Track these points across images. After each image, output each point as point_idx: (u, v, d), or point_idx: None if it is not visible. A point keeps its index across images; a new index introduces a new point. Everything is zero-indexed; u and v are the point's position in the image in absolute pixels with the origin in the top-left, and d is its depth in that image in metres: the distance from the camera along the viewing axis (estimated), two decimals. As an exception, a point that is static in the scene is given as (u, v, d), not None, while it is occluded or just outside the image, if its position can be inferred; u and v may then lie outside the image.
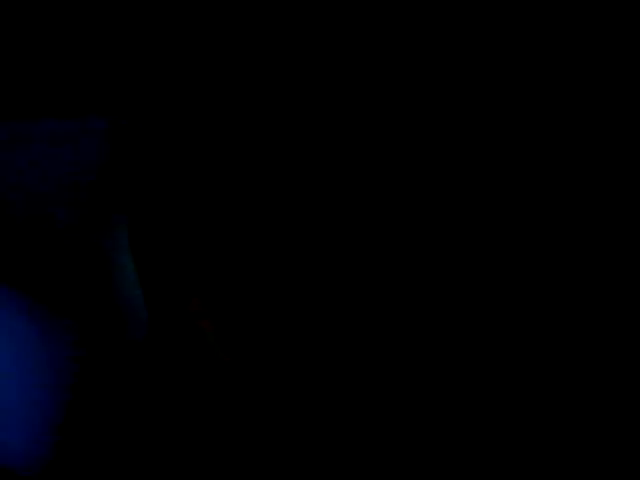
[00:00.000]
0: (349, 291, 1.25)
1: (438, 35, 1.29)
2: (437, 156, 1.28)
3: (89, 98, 1.29)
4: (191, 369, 1.25)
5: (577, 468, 1.23)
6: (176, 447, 1.23)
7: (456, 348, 1.25)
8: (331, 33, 1.29)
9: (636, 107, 1.28)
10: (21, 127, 1.28)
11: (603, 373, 1.24)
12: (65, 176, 1.26)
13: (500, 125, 1.28)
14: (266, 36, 1.29)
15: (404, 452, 1.23)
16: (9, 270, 1.24)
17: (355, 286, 1.25)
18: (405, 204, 1.27)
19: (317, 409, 1.24)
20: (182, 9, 1.29)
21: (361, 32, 1.29)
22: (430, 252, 1.26)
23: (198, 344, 1.25)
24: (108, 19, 1.30)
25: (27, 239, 1.25)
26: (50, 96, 1.29)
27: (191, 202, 1.27)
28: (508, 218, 1.27)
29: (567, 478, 1.23)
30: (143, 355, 1.25)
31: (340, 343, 1.24)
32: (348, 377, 1.24)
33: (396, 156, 1.28)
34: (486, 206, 1.27)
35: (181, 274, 1.26)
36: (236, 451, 1.23)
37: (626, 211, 1.27)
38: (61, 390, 1.23)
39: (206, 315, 1.25)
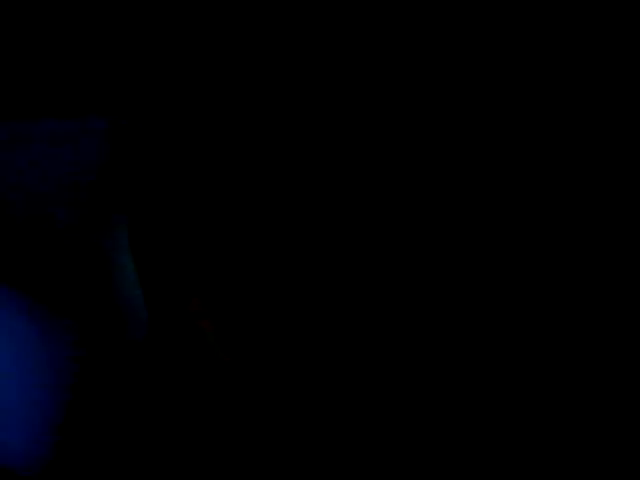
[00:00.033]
0: (349, 291, 1.25)
1: (438, 35, 1.29)
2: (437, 156, 1.28)
3: (89, 98, 1.29)
4: (191, 369, 1.25)
5: (577, 468, 1.23)
6: (176, 447, 1.23)
7: (456, 348, 1.25)
8: (331, 33, 1.29)
9: (636, 107, 1.28)
10: (21, 127, 1.28)
11: (603, 373, 1.24)
12: (65, 176, 1.26)
13: (500, 125, 1.28)
14: (266, 36, 1.29)
15: (404, 452, 1.23)
16: (9, 270, 1.24)
17: (355, 286, 1.25)
18: (405, 204, 1.27)
19: (317, 409, 1.24)
20: (182, 9, 1.29)
21: (361, 32, 1.29)
22: (430, 252, 1.26)
23: (198, 344, 1.25)
24: (108, 19, 1.30)
25: (27, 239, 1.25)
26: (50, 96, 1.29)
27: (191, 202, 1.27)
28: (508, 218, 1.27)
29: (567, 478, 1.23)
30: (143, 355, 1.25)
31: (340, 343, 1.24)
32: (348, 377, 1.24)
33: (396, 156, 1.28)
34: (486, 206, 1.27)
35: (181, 274, 1.26)
36: (236, 451, 1.23)
37: (626, 211, 1.27)
38: (61, 390, 1.23)
39: (206, 315, 1.25)
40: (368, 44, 1.29)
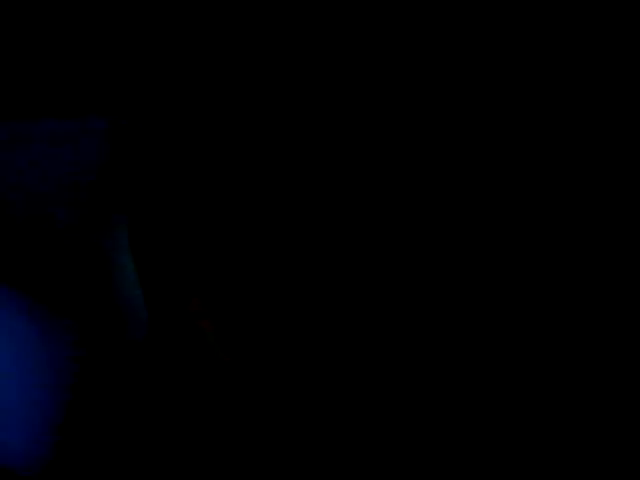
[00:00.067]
0: (349, 291, 1.25)
1: (438, 35, 1.29)
2: (437, 156, 1.28)
3: (89, 98, 1.29)
4: (191, 369, 1.25)
5: (577, 468, 1.23)
6: (176, 447, 1.23)
7: (456, 348, 1.25)
8: (331, 33, 1.29)
9: (636, 107, 1.28)
10: (21, 127, 1.28)
11: (603, 373, 1.24)
12: (65, 176, 1.26)
13: (500, 125, 1.28)
14: (266, 36, 1.29)
15: (404, 452, 1.23)
16: (9, 270, 1.24)
17: (355, 286, 1.25)
18: (405, 204, 1.27)
19: (317, 409, 1.24)
20: (182, 9, 1.29)
21: (361, 32, 1.29)
22: (430, 252, 1.26)
23: (198, 344, 1.25)
24: (108, 19, 1.30)
25: (27, 239, 1.25)
26: (50, 96, 1.29)
27: (191, 202, 1.27)
28: (508, 218, 1.27)
29: (567, 478, 1.23)
30: (143, 355, 1.25)
31: (340, 343, 1.24)
32: (348, 377, 1.24)
33: (396, 156, 1.28)
34: (486, 206, 1.27)
35: (181, 274, 1.26)
36: (236, 451, 1.23)
37: (626, 211, 1.27)
38: (61, 390, 1.23)
39: (206, 315, 1.25)
40: (368, 44, 1.29)
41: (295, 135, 1.27)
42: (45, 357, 1.23)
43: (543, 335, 1.25)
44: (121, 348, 1.24)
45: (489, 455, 1.23)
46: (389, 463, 1.23)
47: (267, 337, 1.24)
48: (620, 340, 1.25)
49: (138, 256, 1.26)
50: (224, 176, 1.27)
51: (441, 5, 1.29)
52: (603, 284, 1.26)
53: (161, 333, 1.25)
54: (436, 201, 1.27)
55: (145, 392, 1.24)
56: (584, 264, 1.26)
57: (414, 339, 1.25)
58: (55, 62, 1.29)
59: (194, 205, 1.26)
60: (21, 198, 1.26)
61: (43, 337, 1.23)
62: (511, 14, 1.29)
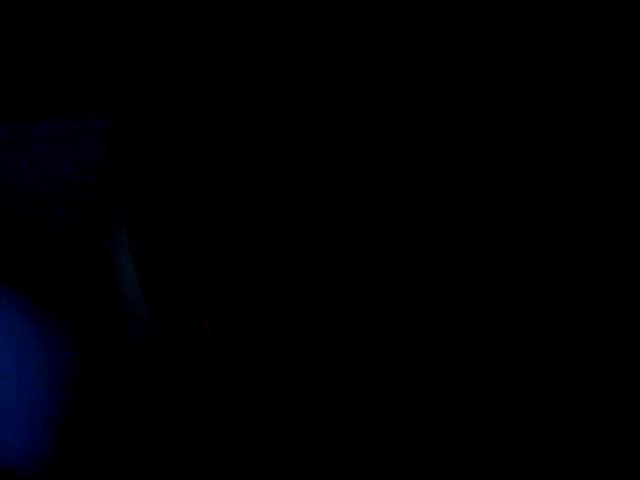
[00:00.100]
0: (349, 291, 1.25)
1: (438, 35, 1.29)
2: (437, 156, 1.28)
3: (89, 98, 1.29)
4: (191, 369, 1.25)
5: (577, 468, 1.23)
6: (176, 447, 1.23)
7: (456, 348, 1.25)
8: (331, 33, 1.29)
9: (636, 107, 1.28)
10: (21, 127, 1.28)
11: (603, 373, 1.24)
12: (65, 176, 1.26)
13: (500, 125, 1.28)
14: (266, 36, 1.29)
15: (404, 452, 1.23)
16: (9, 270, 1.24)
17: (355, 286, 1.25)
18: (405, 204, 1.27)
19: (317, 409, 1.24)
20: (182, 9, 1.29)
21: (361, 32, 1.29)
22: (430, 252, 1.26)
23: (198, 344, 1.25)
24: (108, 19, 1.30)
25: (27, 239, 1.25)
26: (50, 96, 1.29)
27: (191, 202, 1.27)
28: (508, 218, 1.27)
29: (567, 478, 1.23)
30: (143, 355, 1.25)
31: (340, 343, 1.24)
32: (348, 377, 1.24)
33: (396, 156, 1.28)
34: (486, 206, 1.27)
35: (181, 274, 1.26)
36: (236, 451, 1.23)
37: (626, 211, 1.27)
38: (61, 390, 1.23)
39: (206, 315, 1.25)
40: (368, 44, 1.29)
41: (295, 135, 1.27)
42: (45, 357, 1.23)
43: (543, 335, 1.25)
44: (121, 348, 1.24)
45: (489, 455, 1.23)
46: (389, 463, 1.23)
47: (267, 337, 1.24)
48: (620, 340, 1.25)
49: (138, 256, 1.26)
50: (224, 176, 1.27)
51: (441, 5, 1.29)
52: (603, 284, 1.26)
53: (161, 333, 1.25)
54: (436, 201, 1.27)
55: (145, 392, 1.24)
56: (584, 264, 1.26)
57: (414, 339, 1.25)
58: (55, 62, 1.29)
59: (194, 205, 1.26)
60: (21, 198, 1.26)
61: (43, 337, 1.23)
62: (511, 14, 1.29)
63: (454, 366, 1.25)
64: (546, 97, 1.28)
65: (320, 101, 1.28)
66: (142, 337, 1.25)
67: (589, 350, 1.25)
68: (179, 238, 1.26)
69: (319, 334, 1.24)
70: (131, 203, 1.27)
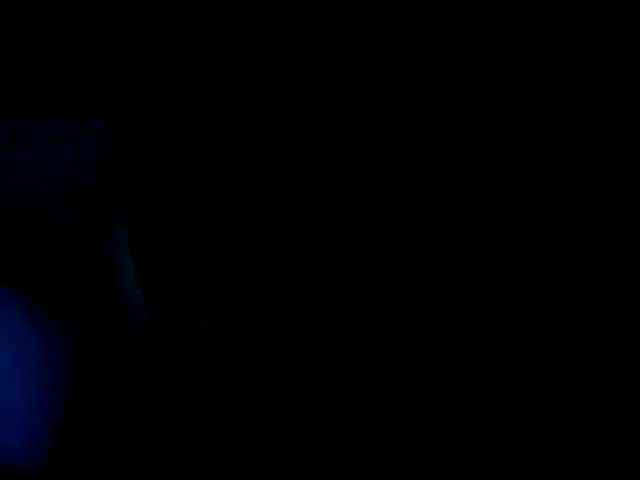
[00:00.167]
0: (349, 291, 1.25)
1: (438, 35, 1.29)
2: (437, 156, 1.28)
3: (89, 98, 1.29)
4: (191, 369, 1.25)
5: (577, 468, 1.23)
6: (176, 447, 1.23)
7: (456, 348, 1.25)
8: (331, 33, 1.29)
9: (636, 107, 1.28)
10: (21, 127, 1.28)
11: (603, 373, 1.24)
12: (65, 176, 1.26)
13: (500, 125, 1.28)
14: (266, 36, 1.29)
15: (404, 452, 1.23)
16: (9, 270, 1.24)
17: (355, 286, 1.25)
18: (405, 204, 1.27)
19: (317, 409, 1.24)
20: (182, 9, 1.29)
21: (361, 32, 1.29)
22: (430, 252, 1.26)
23: (198, 344, 1.25)
24: (108, 19, 1.30)
25: (27, 239, 1.25)
26: (50, 96, 1.29)
27: (191, 202, 1.27)
28: (508, 218, 1.27)
29: (567, 478, 1.23)
30: (143, 355, 1.25)
31: (340, 343, 1.24)
32: (348, 377, 1.24)
33: (396, 156, 1.28)
34: (486, 206, 1.27)
35: (181, 274, 1.26)
36: (236, 451, 1.23)
37: (626, 211, 1.27)
38: (61, 390, 1.23)
39: (206, 315, 1.25)
40: (368, 44, 1.29)
41: (295, 135, 1.27)
42: (45, 357, 1.23)
43: (543, 335, 1.25)
44: (121, 348, 1.24)
45: (489, 455, 1.23)
46: (389, 463, 1.23)
47: (267, 337, 1.24)
48: (620, 340, 1.25)
49: (138, 256, 1.26)
50: (224, 176, 1.27)
51: (441, 5, 1.29)
52: (603, 284, 1.26)
53: (161, 333, 1.25)
54: (436, 201, 1.27)
55: (145, 392, 1.24)
56: (584, 264, 1.26)
57: (414, 339, 1.25)
58: (55, 62, 1.29)
59: (194, 205, 1.26)
60: (21, 198, 1.26)
61: (43, 337, 1.23)
62: (511, 14, 1.29)
63: (454, 366, 1.25)
64: (546, 97, 1.28)
65: (320, 101, 1.28)
66: (142, 337, 1.25)
67: (589, 350, 1.25)
68: (179, 238, 1.26)
69: (319, 334, 1.24)
70: (131, 203, 1.27)
